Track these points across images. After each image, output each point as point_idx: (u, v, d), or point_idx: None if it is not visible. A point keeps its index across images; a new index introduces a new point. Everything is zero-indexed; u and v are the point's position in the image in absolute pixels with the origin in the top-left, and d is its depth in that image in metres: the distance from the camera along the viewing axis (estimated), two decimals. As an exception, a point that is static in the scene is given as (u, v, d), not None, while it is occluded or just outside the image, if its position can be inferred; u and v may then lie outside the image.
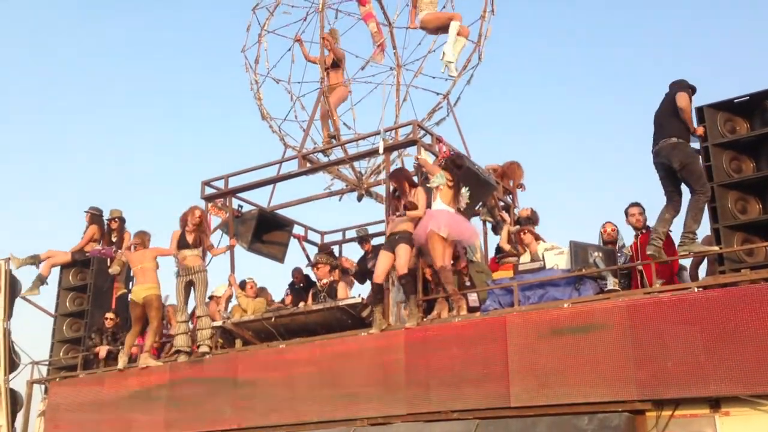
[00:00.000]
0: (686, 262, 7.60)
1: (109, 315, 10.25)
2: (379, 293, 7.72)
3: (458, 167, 7.89)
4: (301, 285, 10.22)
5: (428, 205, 7.93)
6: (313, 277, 9.69)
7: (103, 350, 9.87)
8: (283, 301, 9.90)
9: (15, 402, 10.32)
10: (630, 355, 5.98)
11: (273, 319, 8.57)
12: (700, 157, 6.58)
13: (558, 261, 7.47)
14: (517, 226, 8.95)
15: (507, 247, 8.88)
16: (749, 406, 5.51)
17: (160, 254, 9.44)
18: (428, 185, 7.87)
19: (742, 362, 5.51)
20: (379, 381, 7.17)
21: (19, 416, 10.27)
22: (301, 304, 8.86)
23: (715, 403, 5.68)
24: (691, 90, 6.77)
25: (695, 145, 6.67)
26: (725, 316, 5.67)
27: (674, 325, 5.85)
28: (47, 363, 10.55)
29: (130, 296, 9.61)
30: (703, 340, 5.70)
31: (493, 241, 9.86)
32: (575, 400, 6.12)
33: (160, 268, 9.46)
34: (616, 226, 7.86)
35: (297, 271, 10.66)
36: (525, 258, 8.16)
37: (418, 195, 7.82)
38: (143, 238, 9.63)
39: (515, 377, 6.44)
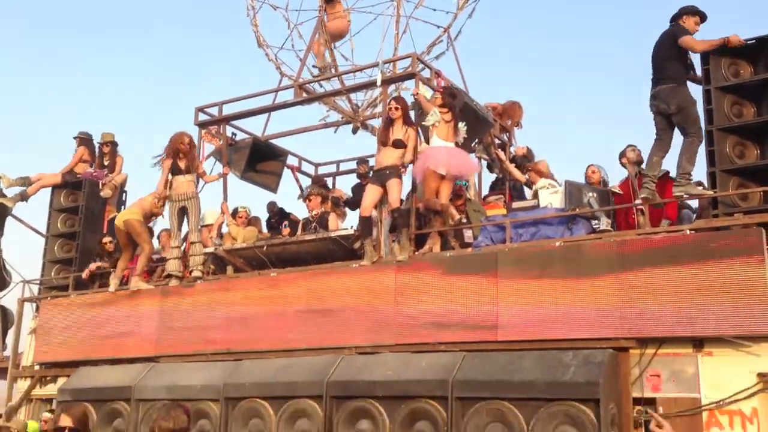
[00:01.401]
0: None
1: (107, 239, 10.26)
2: (366, 226, 7.73)
3: (452, 96, 7.81)
4: (276, 218, 10.25)
5: (425, 142, 7.88)
6: (294, 211, 9.68)
7: (92, 266, 9.90)
8: (279, 233, 9.90)
9: (6, 319, 10.42)
10: (618, 295, 6.04)
11: (265, 248, 8.60)
12: (700, 100, 6.55)
13: (552, 200, 7.49)
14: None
15: (523, 179, 8.85)
16: (732, 347, 5.62)
17: (155, 197, 9.32)
18: (423, 123, 7.80)
19: (728, 304, 5.58)
20: (368, 312, 7.23)
21: (10, 333, 10.38)
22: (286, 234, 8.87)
23: (699, 343, 5.78)
24: (699, 17, 6.70)
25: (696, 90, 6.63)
26: (714, 258, 5.72)
27: (663, 266, 5.90)
28: (38, 282, 10.61)
29: (115, 222, 9.59)
30: (691, 282, 5.75)
31: (487, 178, 9.87)
32: (561, 336, 6.21)
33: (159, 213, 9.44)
34: (598, 168, 7.90)
35: (271, 205, 10.64)
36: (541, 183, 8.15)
37: (410, 134, 7.76)
38: None
39: (503, 312, 6.51)
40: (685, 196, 6.55)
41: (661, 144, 6.74)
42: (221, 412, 7.36)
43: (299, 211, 10.19)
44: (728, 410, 5.54)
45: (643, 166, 7.39)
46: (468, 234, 7.86)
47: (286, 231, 8.92)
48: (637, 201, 7.04)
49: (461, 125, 7.78)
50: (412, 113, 8.26)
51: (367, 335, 7.19)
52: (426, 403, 6.37)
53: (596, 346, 6.00)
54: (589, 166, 8.05)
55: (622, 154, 7.69)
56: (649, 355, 5.93)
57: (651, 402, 5.88)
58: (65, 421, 3.96)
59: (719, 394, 5.59)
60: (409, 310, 7.01)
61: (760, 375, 5.51)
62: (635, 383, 5.94)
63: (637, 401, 5.94)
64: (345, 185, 11.13)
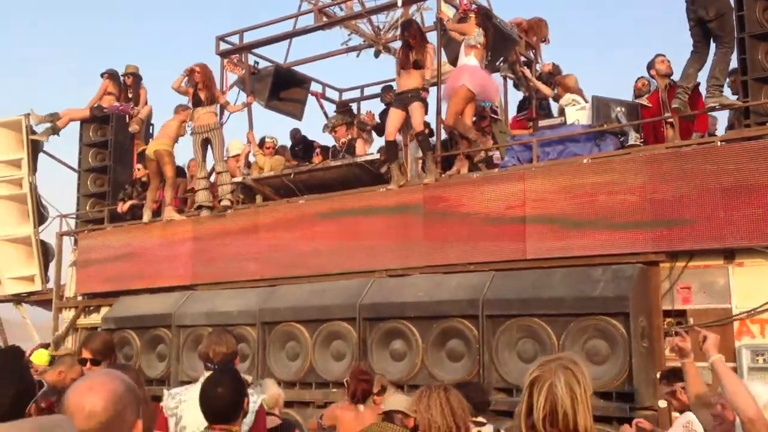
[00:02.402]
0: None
1: (138, 166, 10.42)
2: (392, 150, 7.72)
3: (488, 18, 7.67)
4: (299, 146, 10.26)
5: (453, 62, 7.77)
6: (318, 138, 9.63)
7: (126, 206, 10.10)
8: (304, 161, 9.93)
9: (46, 253, 10.71)
10: (647, 209, 6.02)
11: (292, 176, 8.66)
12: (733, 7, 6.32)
13: (579, 116, 7.39)
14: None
15: (551, 93, 8.71)
16: (763, 257, 5.61)
17: (181, 120, 9.46)
18: (467, 42, 7.62)
19: (760, 214, 5.54)
20: (397, 235, 7.31)
21: (51, 266, 10.70)
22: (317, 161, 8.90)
23: (730, 254, 5.78)
24: None
25: None
26: (745, 169, 5.65)
27: (693, 178, 5.85)
28: (74, 216, 10.85)
29: (146, 152, 9.76)
30: (722, 193, 5.71)
31: (514, 98, 9.73)
32: (590, 253, 6.25)
33: (184, 133, 9.53)
34: (648, 81, 7.64)
35: (294, 132, 10.63)
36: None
37: (429, 53, 7.65)
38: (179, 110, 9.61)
39: (531, 231, 6.54)
40: (718, 106, 6.40)
41: (698, 56, 6.54)
42: (258, 336, 7.59)
43: (324, 138, 10.20)
44: (759, 319, 5.58)
45: (674, 77, 7.21)
46: (495, 155, 7.83)
47: (317, 159, 8.93)
48: (667, 114, 6.91)
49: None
50: (433, 33, 8.12)
51: (397, 258, 7.28)
52: (458, 322, 6.50)
53: (626, 261, 6.03)
54: (639, 79, 7.78)
55: (650, 65, 7.45)
56: (679, 268, 5.95)
57: (682, 314, 5.94)
58: (85, 354, 4.13)
59: (750, 304, 5.61)
60: (437, 231, 7.07)
61: (791, 283, 5.52)
62: (665, 296, 5.98)
63: (667, 313, 6.00)
64: (370, 110, 11.05)
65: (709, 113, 6.96)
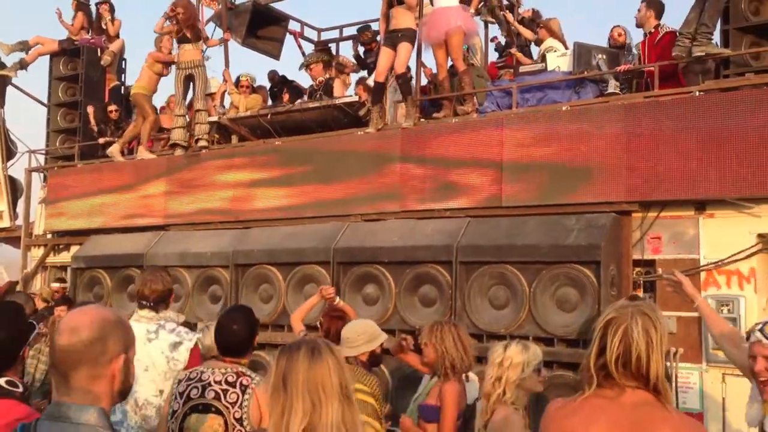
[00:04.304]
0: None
1: (112, 107, 10.19)
2: (379, 91, 7.60)
3: None
4: (278, 87, 10.09)
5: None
6: (297, 79, 9.48)
7: (101, 140, 9.93)
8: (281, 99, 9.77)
9: (15, 189, 10.55)
10: (622, 158, 6.02)
11: (269, 116, 8.52)
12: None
13: (560, 63, 7.31)
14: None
15: (532, 36, 8.59)
16: (733, 209, 5.63)
17: (156, 59, 9.24)
18: None
19: (732, 166, 5.56)
20: (373, 179, 7.25)
21: (20, 202, 10.54)
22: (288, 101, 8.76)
23: (701, 206, 5.80)
24: None
25: None
26: (720, 119, 5.64)
27: (669, 128, 5.84)
28: (44, 152, 10.64)
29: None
30: (696, 144, 5.71)
31: (492, 43, 9.58)
32: (565, 201, 6.26)
33: (165, 73, 9.34)
34: (624, 30, 7.54)
35: (272, 73, 10.43)
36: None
37: None
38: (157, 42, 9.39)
39: (508, 178, 6.52)
40: (704, 55, 6.31)
41: (698, 2, 6.43)
42: (231, 277, 7.58)
43: (303, 79, 10.02)
44: (726, 270, 5.64)
45: (663, 22, 7.07)
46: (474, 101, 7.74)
47: (285, 98, 8.78)
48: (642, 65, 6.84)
49: None
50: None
51: (373, 202, 7.25)
52: (431, 267, 6.52)
53: (600, 210, 6.05)
54: (614, 28, 7.68)
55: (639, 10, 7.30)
56: (651, 218, 5.98)
57: (651, 264, 6.00)
58: None
59: (719, 255, 5.67)
60: (413, 177, 7.03)
61: (760, 236, 5.57)
62: (636, 246, 6.04)
63: (637, 263, 6.06)
64: (349, 51, 10.87)
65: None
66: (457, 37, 7.32)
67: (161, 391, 4.05)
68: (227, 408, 3.40)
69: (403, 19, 7.45)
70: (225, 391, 3.44)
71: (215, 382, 3.46)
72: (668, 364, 5.47)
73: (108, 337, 2.01)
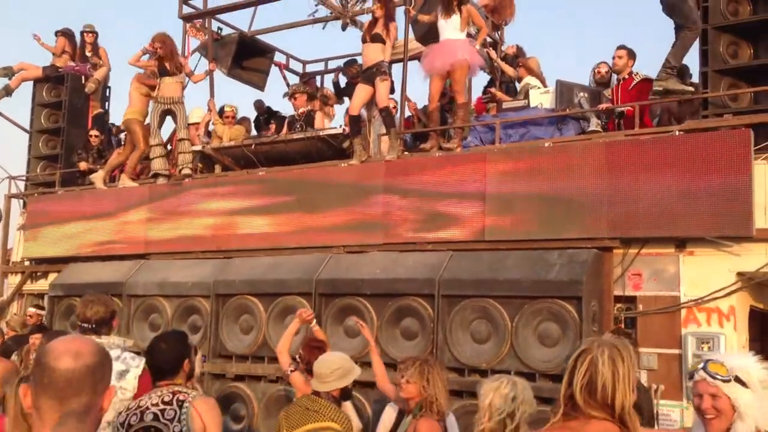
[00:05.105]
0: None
1: (94, 132, 10.16)
2: (355, 125, 7.66)
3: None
4: (264, 117, 10.13)
5: (420, 39, 7.73)
6: (282, 109, 9.53)
7: (84, 165, 9.86)
8: (266, 130, 9.81)
9: (-7, 215, 10.41)
10: (604, 195, 6.09)
11: (253, 146, 8.54)
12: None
13: (543, 100, 7.41)
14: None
15: (514, 73, 8.71)
16: (713, 247, 5.72)
17: (141, 82, 9.21)
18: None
19: (713, 205, 5.64)
20: (356, 211, 7.26)
21: (-1, 228, 10.41)
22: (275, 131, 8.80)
23: (681, 243, 5.87)
24: None
25: None
26: (701, 159, 5.74)
27: (650, 166, 5.93)
28: (25, 178, 10.55)
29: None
30: (677, 183, 5.80)
31: (479, 79, 9.70)
32: (547, 236, 6.30)
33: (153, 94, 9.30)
34: (610, 68, 7.67)
35: (258, 103, 10.49)
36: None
37: (392, 30, 7.62)
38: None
39: (491, 212, 6.56)
40: (662, 90, 6.44)
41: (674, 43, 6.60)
42: (212, 308, 7.50)
43: (288, 110, 10.07)
44: (706, 308, 5.70)
45: (635, 68, 7.25)
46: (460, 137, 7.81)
47: (272, 128, 8.82)
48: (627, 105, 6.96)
49: None
50: (401, 9, 8.05)
51: (356, 234, 7.25)
52: (413, 300, 6.51)
53: (581, 246, 6.10)
54: (599, 64, 7.79)
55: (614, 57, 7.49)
56: (632, 255, 6.03)
57: (632, 300, 6.04)
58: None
59: (699, 293, 5.73)
60: (397, 209, 7.05)
61: (740, 274, 5.65)
62: (617, 282, 6.08)
63: (618, 299, 6.10)
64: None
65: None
66: (461, 70, 7.40)
67: (109, 423, 3.92)
68: (166, 425, 3.44)
69: (373, 55, 7.57)
70: (162, 411, 3.49)
71: (152, 405, 3.52)
72: (654, 401, 5.48)
73: (105, 364, 1.98)
